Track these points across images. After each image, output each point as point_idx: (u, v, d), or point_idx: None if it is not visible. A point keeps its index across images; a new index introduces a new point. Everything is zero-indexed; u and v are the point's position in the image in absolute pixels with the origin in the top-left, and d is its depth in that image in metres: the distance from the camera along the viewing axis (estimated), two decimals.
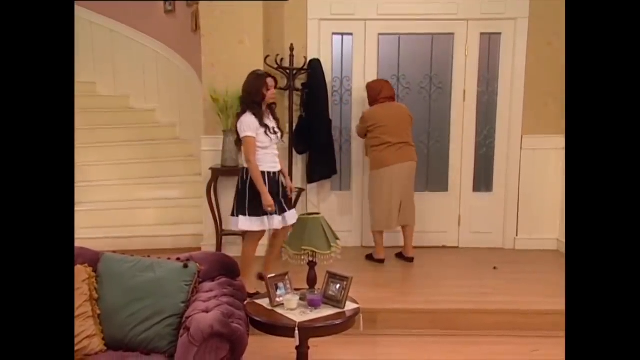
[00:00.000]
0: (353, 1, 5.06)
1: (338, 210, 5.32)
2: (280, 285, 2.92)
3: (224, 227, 4.83)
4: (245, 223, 3.81)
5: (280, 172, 3.95)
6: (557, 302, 3.63)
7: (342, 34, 5.16)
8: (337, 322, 2.77)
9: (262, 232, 3.92)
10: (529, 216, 5.24)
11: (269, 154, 3.83)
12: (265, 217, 3.80)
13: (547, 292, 4.15)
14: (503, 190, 5.25)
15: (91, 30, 6.92)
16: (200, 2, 4.80)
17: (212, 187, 4.79)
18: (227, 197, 4.81)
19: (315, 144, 4.97)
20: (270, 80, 3.80)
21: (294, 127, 5.03)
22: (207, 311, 2.64)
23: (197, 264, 2.96)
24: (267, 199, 3.73)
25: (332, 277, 2.91)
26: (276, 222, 3.82)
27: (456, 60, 5.12)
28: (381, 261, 4.73)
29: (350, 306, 2.86)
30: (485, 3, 5.02)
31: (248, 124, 3.72)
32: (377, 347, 3.53)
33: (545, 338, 3.66)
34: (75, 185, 5.51)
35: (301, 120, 5.01)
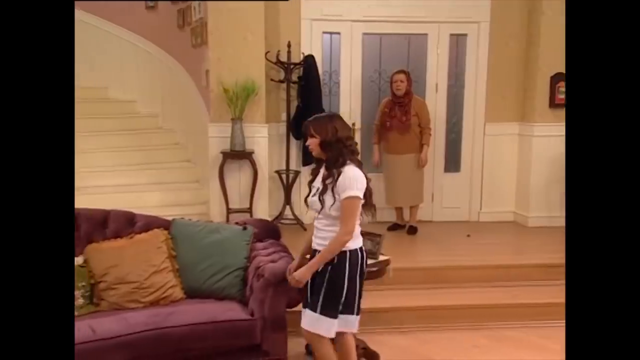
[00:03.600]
0: (341, 4, 5.71)
1: None
2: None
3: (230, 206, 5.35)
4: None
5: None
6: (518, 258, 4.91)
7: (331, 33, 5.80)
8: (374, 269, 3.45)
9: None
10: (491, 192, 6.09)
11: None
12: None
13: (509, 251, 5.19)
14: (469, 170, 6.08)
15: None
16: (209, 3, 5.29)
17: (222, 169, 5.31)
18: (233, 178, 5.37)
19: None
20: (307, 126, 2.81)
21: (291, 116, 5.63)
22: (274, 262, 3.24)
23: (252, 227, 3.55)
24: None
25: (367, 235, 3.56)
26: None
27: (429, 57, 5.88)
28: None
29: (381, 258, 3.54)
30: (454, 8, 5.80)
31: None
32: (386, 297, 4.21)
33: (513, 287, 4.48)
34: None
35: (298, 109, 5.61)
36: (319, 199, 2.71)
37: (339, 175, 2.66)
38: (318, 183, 2.77)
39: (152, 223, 3.47)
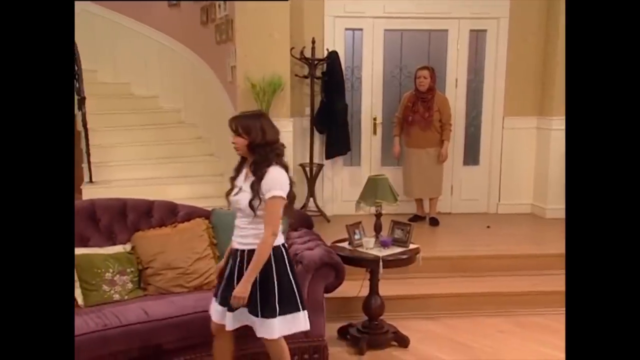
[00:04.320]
0: (363, 1, 5.85)
1: (349, 183, 6.13)
2: (357, 231, 3.71)
3: None
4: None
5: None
6: (538, 248, 5.09)
7: (354, 30, 5.95)
8: (404, 257, 3.61)
9: None
10: (509, 185, 6.23)
11: None
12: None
13: (529, 242, 5.34)
14: (488, 163, 6.22)
15: (93, 22, 7.35)
16: (236, 2, 5.44)
17: None
18: None
19: (334, 125, 5.75)
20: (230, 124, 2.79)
21: (314, 110, 5.78)
22: (311, 249, 3.40)
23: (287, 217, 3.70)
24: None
25: (397, 224, 3.74)
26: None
27: (449, 53, 6.02)
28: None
29: (411, 246, 3.70)
30: (474, 5, 5.93)
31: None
32: (413, 285, 4.37)
33: (534, 276, 4.64)
34: (103, 165, 6.08)
35: (322, 104, 5.77)
36: (250, 203, 2.63)
37: (263, 175, 2.64)
38: (240, 182, 2.73)
39: (193, 213, 3.65)
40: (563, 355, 3.41)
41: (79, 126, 6.28)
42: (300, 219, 3.84)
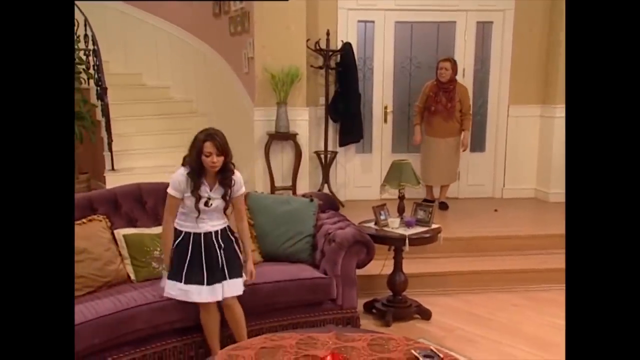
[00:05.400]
0: None
1: (361, 169, 6.39)
2: (382, 212, 3.97)
3: (276, 185, 5.76)
4: None
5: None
6: (544, 229, 5.34)
7: (366, 22, 6.17)
8: (427, 235, 3.88)
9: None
10: (513, 171, 6.52)
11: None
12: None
13: (535, 223, 5.67)
14: (493, 150, 6.49)
15: (104, 14, 7.51)
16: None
17: (267, 149, 5.71)
18: (276, 159, 5.78)
19: (348, 114, 5.99)
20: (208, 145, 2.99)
21: (329, 100, 6.02)
22: (342, 229, 3.66)
23: (317, 199, 3.96)
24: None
25: (420, 205, 4.01)
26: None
27: (457, 44, 6.27)
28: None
29: (433, 226, 3.97)
30: None
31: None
32: (431, 264, 4.65)
33: (541, 255, 4.93)
34: (123, 153, 6.28)
35: (336, 94, 6.01)
36: (224, 210, 3.13)
37: (231, 182, 3.10)
38: (205, 192, 3.06)
39: None
40: None
41: (98, 116, 6.50)
42: (327, 202, 4.09)
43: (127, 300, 3.04)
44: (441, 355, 2.35)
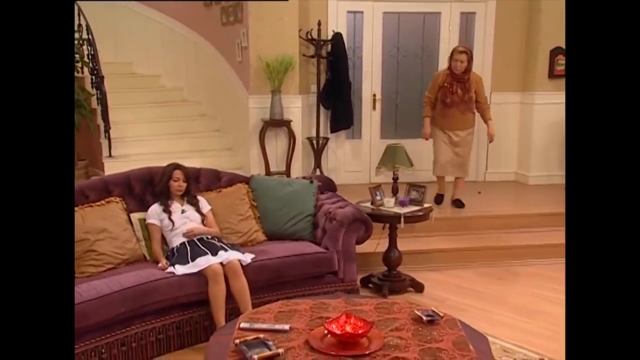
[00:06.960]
0: None
1: (351, 155, 6.66)
2: (378, 193, 4.24)
3: (270, 169, 5.99)
4: None
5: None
6: (525, 208, 5.76)
7: (355, 12, 6.42)
8: (420, 214, 4.17)
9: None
10: (495, 155, 6.85)
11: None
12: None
13: (517, 204, 6.07)
14: (476, 136, 6.74)
15: (94, 3, 7.60)
16: None
17: (262, 136, 5.94)
18: (270, 145, 6.01)
19: (339, 102, 6.25)
20: (177, 172, 3.76)
21: (321, 88, 6.26)
22: (342, 208, 3.93)
23: (317, 181, 4.22)
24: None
25: (412, 186, 4.29)
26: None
27: (442, 34, 6.56)
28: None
29: (425, 205, 4.25)
30: None
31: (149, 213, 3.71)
32: (421, 243, 4.94)
33: (523, 233, 5.27)
34: (118, 140, 6.45)
35: (327, 82, 6.25)
36: (202, 222, 3.74)
37: (197, 202, 3.78)
38: (178, 213, 3.68)
39: (235, 179, 4.13)
40: (559, 295, 4.06)
41: (94, 104, 6.65)
42: (325, 184, 4.36)
43: (147, 275, 3.27)
44: (441, 315, 2.64)
